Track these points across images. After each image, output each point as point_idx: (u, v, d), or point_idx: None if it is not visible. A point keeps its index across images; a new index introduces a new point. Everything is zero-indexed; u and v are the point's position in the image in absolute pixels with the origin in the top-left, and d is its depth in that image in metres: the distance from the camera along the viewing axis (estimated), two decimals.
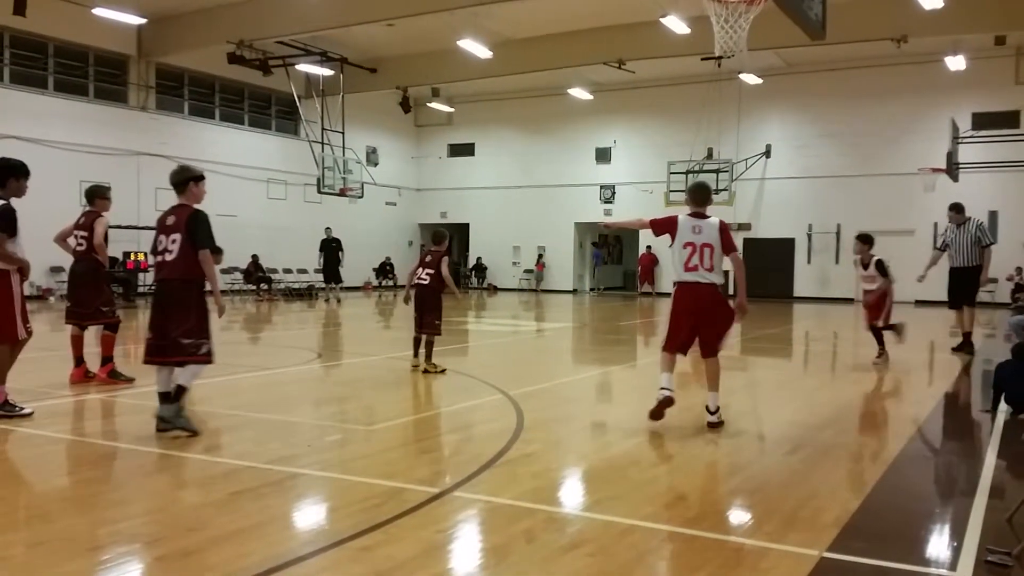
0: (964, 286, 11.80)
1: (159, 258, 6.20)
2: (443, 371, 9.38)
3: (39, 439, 6.29)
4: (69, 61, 22.51)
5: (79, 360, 8.47)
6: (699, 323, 6.59)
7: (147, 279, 23.08)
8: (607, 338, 16.23)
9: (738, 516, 4.57)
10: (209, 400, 7.88)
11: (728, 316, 6.76)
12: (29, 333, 6.80)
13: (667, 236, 6.69)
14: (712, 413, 6.60)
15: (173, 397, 6.05)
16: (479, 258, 33.29)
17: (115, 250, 21.85)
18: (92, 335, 9.02)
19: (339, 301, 23.36)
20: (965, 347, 11.91)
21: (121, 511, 4.49)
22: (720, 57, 21.94)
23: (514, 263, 33.21)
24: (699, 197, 6.76)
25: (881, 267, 10.91)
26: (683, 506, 4.64)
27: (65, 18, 21.03)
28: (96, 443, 6.26)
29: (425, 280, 9.42)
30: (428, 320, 9.37)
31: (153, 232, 6.41)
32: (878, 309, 11.02)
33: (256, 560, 3.76)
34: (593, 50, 23.90)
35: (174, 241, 6.10)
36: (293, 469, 5.33)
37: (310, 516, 4.58)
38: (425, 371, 9.35)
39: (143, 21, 22.06)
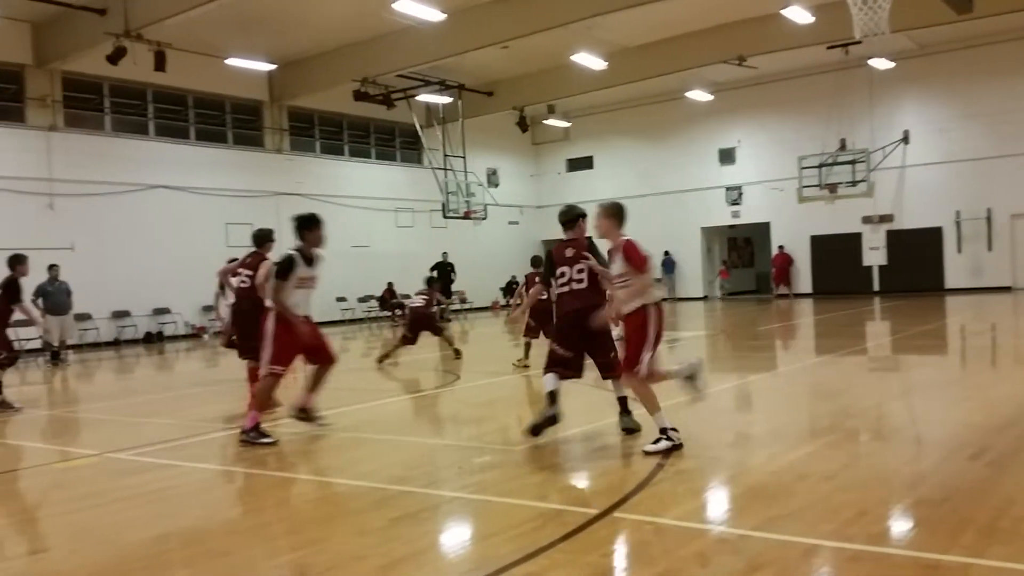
0: None
1: (566, 288, 6.73)
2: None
3: (204, 472, 6.54)
4: (208, 111, 23.85)
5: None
6: None
7: None
8: (746, 344, 15.66)
9: (929, 529, 4.18)
10: (359, 426, 8.03)
11: None
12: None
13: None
14: None
15: (626, 406, 6.69)
16: None
17: None
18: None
19: (448, 320, 24.45)
20: None
21: (289, 541, 4.57)
22: (849, 44, 20.98)
23: None
24: None
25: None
26: (865, 521, 4.29)
27: (202, 70, 22.30)
28: (256, 473, 6.45)
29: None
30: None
31: None
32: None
33: None
34: (712, 50, 23.32)
35: (581, 271, 6.66)
36: (448, 493, 5.32)
37: (471, 541, 4.51)
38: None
39: (273, 67, 23.12)
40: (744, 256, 34.94)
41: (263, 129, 25.07)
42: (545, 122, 32.01)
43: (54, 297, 16.59)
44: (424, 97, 26.31)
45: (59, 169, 20.05)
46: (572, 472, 5.99)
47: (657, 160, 31.67)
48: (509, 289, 31.77)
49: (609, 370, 6.70)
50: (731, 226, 31.64)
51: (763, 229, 30.68)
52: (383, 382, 11.92)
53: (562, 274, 6.73)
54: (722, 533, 4.24)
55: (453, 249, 28.03)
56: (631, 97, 29.93)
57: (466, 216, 26.99)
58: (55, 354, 16.60)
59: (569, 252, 6.74)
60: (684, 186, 30.97)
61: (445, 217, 26.63)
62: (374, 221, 27.22)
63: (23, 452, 7.95)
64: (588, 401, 9.00)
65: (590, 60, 23.20)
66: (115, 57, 17.98)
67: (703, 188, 30.77)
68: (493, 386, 10.91)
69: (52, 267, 16.78)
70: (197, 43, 20.78)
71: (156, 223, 21.47)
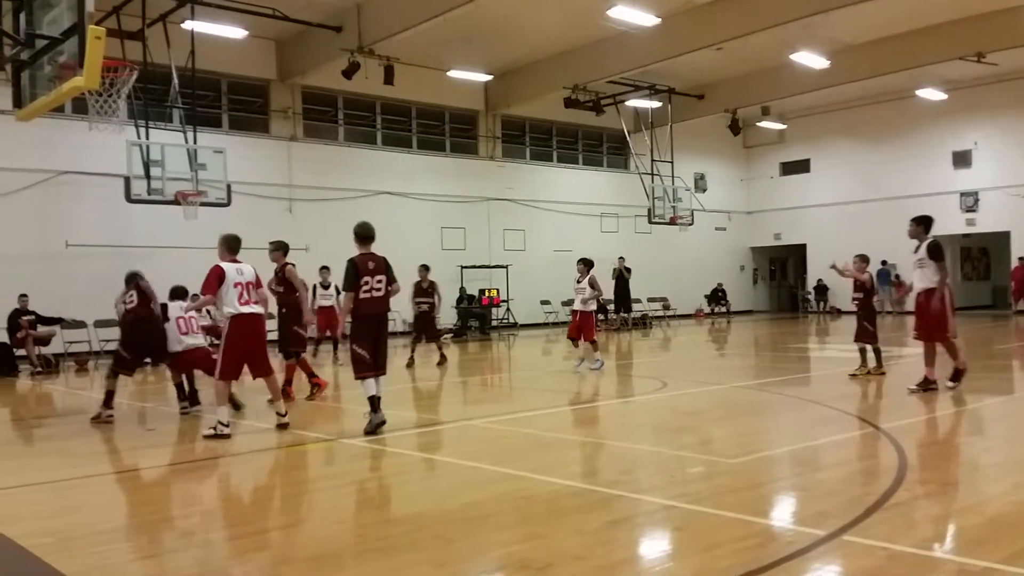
0: None
1: (368, 295, 7.97)
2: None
3: (429, 462, 6.93)
4: (429, 121, 25.18)
5: None
6: None
7: (498, 313, 24.92)
8: (980, 364, 14.33)
9: None
10: (567, 428, 8.20)
11: None
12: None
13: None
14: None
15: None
16: (820, 280, 31.44)
17: (471, 288, 24.00)
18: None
19: (648, 326, 24.98)
20: None
21: (509, 534, 4.76)
22: None
23: None
24: None
25: None
26: None
27: (424, 83, 23.53)
28: (475, 466, 6.75)
29: None
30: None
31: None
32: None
33: None
34: (947, 46, 21.58)
35: (380, 281, 8.08)
36: (663, 500, 5.31)
37: (690, 552, 4.47)
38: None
39: (489, 78, 24.04)
40: (979, 268, 32.03)
41: (478, 137, 26.10)
42: (759, 124, 30.99)
43: None
44: (633, 102, 26.29)
45: (298, 176, 21.93)
46: (792, 489, 5.78)
47: (880, 163, 29.76)
48: (715, 296, 31.07)
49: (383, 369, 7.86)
50: (965, 235, 29.11)
51: (1002, 239, 27.99)
52: (588, 386, 12.06)
53: (365, 283, 7.82)
54: (965, 565, 3.95)
55: (657, 255, 27.90)
56: (854, 97, 28.33)
57: (672, 222, 26.62)
58: None
59: (371, 264, 7.96)
60: (911, 191, 28.80)
61: (650, 223, 26.43)
62: (579, 226, 27.52)
63: (268, 435, 8.77)
64: (803, 417, 8.67)
65: (811, 59, 22.19)
66: (349, 72, 19.41)
67: (933, 194, 28.45)
68: (699, 396, 10.72)
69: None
70: (421, 57, 21.95)
71: (380, 227, 22.65)
